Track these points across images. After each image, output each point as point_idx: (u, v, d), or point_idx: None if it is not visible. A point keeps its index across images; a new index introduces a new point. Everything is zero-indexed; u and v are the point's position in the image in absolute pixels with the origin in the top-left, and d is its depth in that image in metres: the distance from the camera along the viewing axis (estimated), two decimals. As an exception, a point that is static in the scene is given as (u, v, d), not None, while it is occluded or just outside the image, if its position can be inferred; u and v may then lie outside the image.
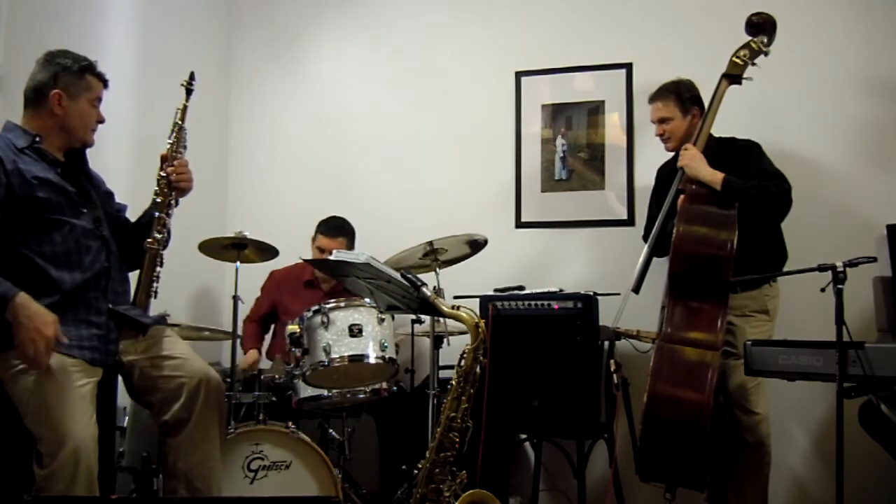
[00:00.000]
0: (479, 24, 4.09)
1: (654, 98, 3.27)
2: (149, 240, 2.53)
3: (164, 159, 2.60)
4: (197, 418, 2.47)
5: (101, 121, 2.54)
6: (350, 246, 3.72)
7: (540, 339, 3.25)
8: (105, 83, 2.54)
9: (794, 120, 3.59)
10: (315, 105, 4.32)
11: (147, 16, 3.71)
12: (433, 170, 4.10)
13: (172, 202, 2.59)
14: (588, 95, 3.91)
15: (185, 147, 2.62)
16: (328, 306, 3.04)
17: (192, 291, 4.04)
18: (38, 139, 2.39)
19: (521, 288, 3.48)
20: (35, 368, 2.19)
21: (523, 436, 3.57)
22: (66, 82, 2.42)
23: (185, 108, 2.63)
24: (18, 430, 2.21)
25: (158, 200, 2.58)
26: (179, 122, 2.62)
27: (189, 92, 2.64)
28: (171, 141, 2.61)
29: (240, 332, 3.39)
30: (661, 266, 3.01)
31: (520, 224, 3.97)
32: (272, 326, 3.88)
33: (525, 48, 4.00)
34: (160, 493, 2.77)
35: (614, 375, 2.95)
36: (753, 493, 3.04)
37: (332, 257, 2.43)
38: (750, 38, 3.05)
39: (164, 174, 2.58)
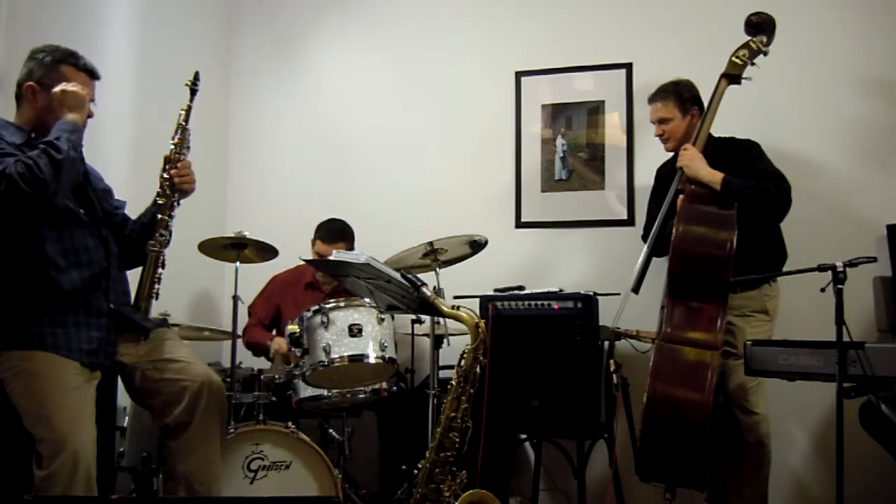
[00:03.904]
0: (479, 25, 4.09)
1: (653, 98, 3.27)
2: (151, 242, 2.53)
3: (167, 160, 2.58)
4: (198, 422, 2.47)
5: (88, 116, 2.47)
6: (349, 248, 3.70)
7: (540, 339, 3.25)
8: (90, 73, 2.48)
9: (794, 120, 3.59)
10: (315, 105, 4.32)
11: (147, 16, 3.71)
12: (433, 170, 4.10)
13: (175, 203, 2.58)
14: (588, 95, 3.91)
15: (188, 148, 2.60)
16: (328, 306, 3.04)
17: (191, 292, 4.04)
18: (33, 135, 2.38)
19: (521, 288, 3.48)
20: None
21: (523, 436, 3.57)
22: (40, 75, 2.40)
23: (188, 109, 2.61)
24: (18, 431, 2.22)
25: (161, 202, 2.57)
26: (183, 124, 2.60)
27: (193, 92, 2.60)
28: (174, 142, 2.59)
29: (240, 332, 3.37)
30: (660, 266, 3.00)
31: (520, 224, 3.97)
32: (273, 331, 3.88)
33: (525, 48, 4.00)
34: (160, 494, 2.77)
35: (614, 375, 2.95)
36: (753, 493, 3.04)
37: (332, 257, 2.43)
38: (749, 37, 3.05)
39: (167, 176, 2.57)
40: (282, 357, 3.49)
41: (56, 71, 2.42)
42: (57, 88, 2.37)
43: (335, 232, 3.70)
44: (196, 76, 2.62)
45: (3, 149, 2.27)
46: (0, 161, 2.20)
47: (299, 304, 3.57)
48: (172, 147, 2.58)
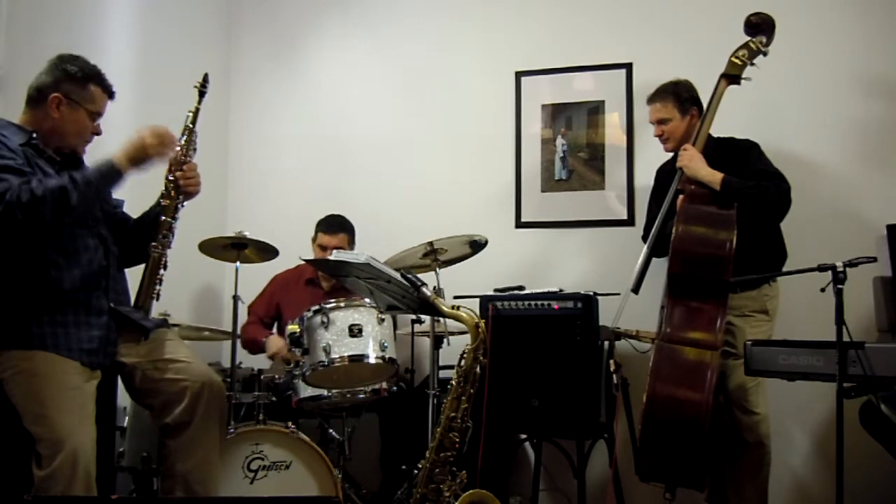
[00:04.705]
0: (479, 25, 4.09)
1: (652, 99, 3.27)
2: (153, 244, 2.53)
3: (172, 162, 2.57)
4: (198, 422, 2.47)
5: (97, 133, 2.51)
6: (351, 242, 3.73)
7: (540, 339, 3.25)
8: (111, 95, 2.51)
9: (794, 120, 3.59)
10: (315, 105, 4.32)
11: (147, 16, 3.72)
12: (433, 170, 4.10)
13: (179, 206, 2.57)
14: (588, 95, 3.91)
15: (195, 150, 2.59)
16: (328, 306, 3.04)
17: (192, 291, 4.05)
18: (34, 135, 2.38)
19: (521, 288, 3.48)
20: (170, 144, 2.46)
21: (523, 436, 3.57)
22: (68, 89, 2.40)
23: (196, 111, 2.59)
24: (18, 430, 2.22)
25: (164, 203, 2.56)
26: (190, 126, 2.59)
27: (202, 94, 2.60)
28: (180, 144, 2.57)
29: (239, 332, 3.38)
30: (660, 266, 3.00)
31: (520, 224, 3.97)
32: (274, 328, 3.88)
33: (525, 48, 4.00)
34: (160, 494, 2.77)
35: (614, 375, 2.95)
36: (753, 493, 3.04)
37: (332, 257, 2.43)
38: (749, 38, 3.05)
39: (172, 178, 2.57)
40: (281, 358, 3.49)
41: (86, 89, 2.43)
42: (146, 131, 2.41)
43: (336, 224, 3.71)
44: (205, 78, 2.61)
45: (8, 162, 2.25)
46: (4, 178, 2.19)
47: (299, 301, 3.58)
48: (178, 149, 2.57)
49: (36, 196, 2.18)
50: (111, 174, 2.37)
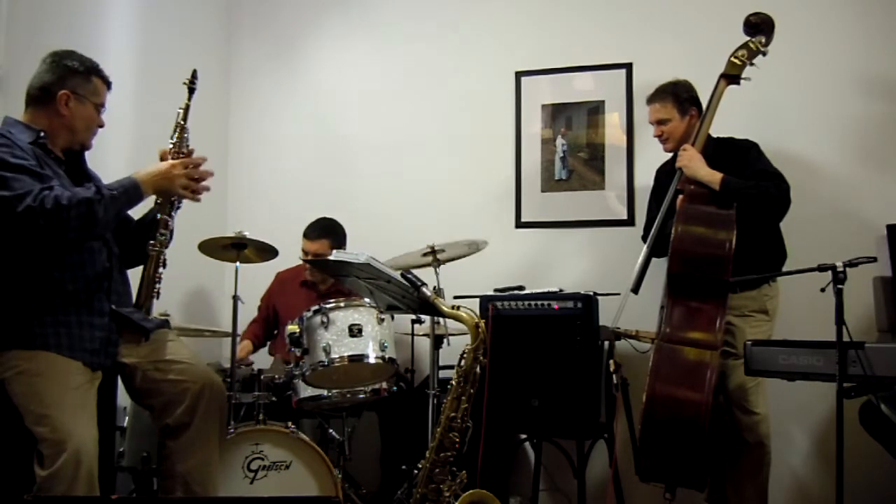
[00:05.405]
0: (479, 25, 4.09)
1: (651, 99, 3.27)
2: (151, 242, 2.53)
3: (162, 157, 2.55)
4: (198, 423, 2.47)
5: (101, 125, 2.52)
6: (335, 246, 3.65)
7: (540, 339, 3.25)
8: (109, 85, 2.53)
9: (794, 120, 3.60)
10: (315, 105, 4.32)
11: (147, 16, 3.72)
12: (433, 170, 4.10)
13: (175, 203, 2.58)
14: (588, 95, 3.91)
15: (187, 147, 2.60)
16: (328, 306, 3.04)
17: (191, 291, 4.04)
18: (42, 134, 2.38)
19: (521, 288, 3.48)
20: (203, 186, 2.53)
21: (523, 436, 3.57)
22: (75, 84, 2.41)
23: (187, 108, 2.60)
24: (19, 430, 2.22)
25: (160, 201, 2.56)
26: (182, 122, 2.59)
27: (192, 91, 2.60)
28: (173, 141, 2.57)
29: (240, 331, 3.38)
30: (660, 266, 3.01)
31: (520, 224, 3.97)
32: (275, 331, 3.87)
33: (525, 48, 4.00)
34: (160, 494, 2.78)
35: (614, 375, 2.96)
36: (753, 493, 3.04)
37: (331, 257, 2.43)
38: (748, 38, 3.05)
39: None
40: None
41: (90, 82, 2.45)
42: (176, 162, 2.46)
43: (318, 229, 3.69)
44: (194, 74, 2.61)
45: (21, 162, 2.24)
46: (19, 180, 2.18)
47: (293, 302, 3.58)
48: (171, 146, 2.57)
49: (61, 204, 2.18)
50: (135, 196, 2.40)
